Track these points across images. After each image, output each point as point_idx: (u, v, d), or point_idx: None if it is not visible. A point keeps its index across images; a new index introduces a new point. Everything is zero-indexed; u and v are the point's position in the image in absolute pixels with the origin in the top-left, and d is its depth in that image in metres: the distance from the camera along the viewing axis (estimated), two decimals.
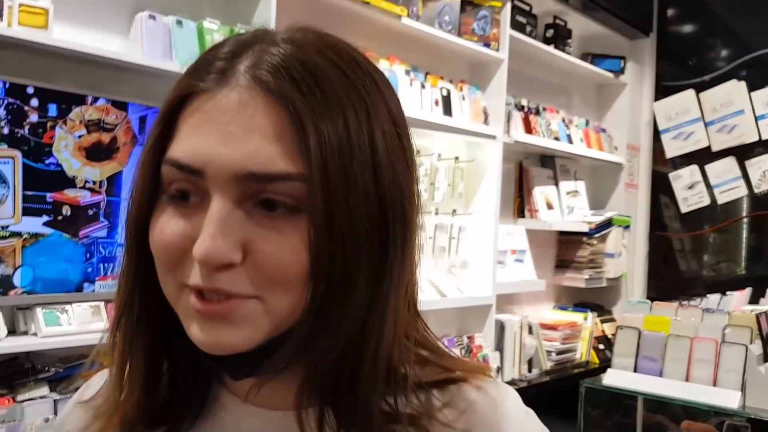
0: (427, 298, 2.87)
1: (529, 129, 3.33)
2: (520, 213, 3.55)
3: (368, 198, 0.47)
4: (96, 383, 0.62)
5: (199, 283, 0.46)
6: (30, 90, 1.79)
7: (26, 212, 1.80)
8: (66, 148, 1.86)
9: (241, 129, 0.46)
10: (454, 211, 3.13)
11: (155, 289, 0.51)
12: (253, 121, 0.46)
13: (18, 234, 1.79)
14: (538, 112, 3.50)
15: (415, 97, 2.81)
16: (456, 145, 3.07)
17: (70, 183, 1.87)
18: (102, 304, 1.93)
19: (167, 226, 0.48)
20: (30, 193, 1.81)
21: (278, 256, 0.46)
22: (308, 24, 0.52)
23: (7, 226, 1.78)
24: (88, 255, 1.93)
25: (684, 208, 3.93)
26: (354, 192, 0.46)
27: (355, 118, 0.47)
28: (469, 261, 3.15)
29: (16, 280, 1.80)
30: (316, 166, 0.45)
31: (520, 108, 3.38)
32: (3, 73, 1.76)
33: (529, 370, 3.33)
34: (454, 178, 3.08)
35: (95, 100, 1.91)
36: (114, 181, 1.96)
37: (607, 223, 3.75)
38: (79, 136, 1.89)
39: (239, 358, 0.48)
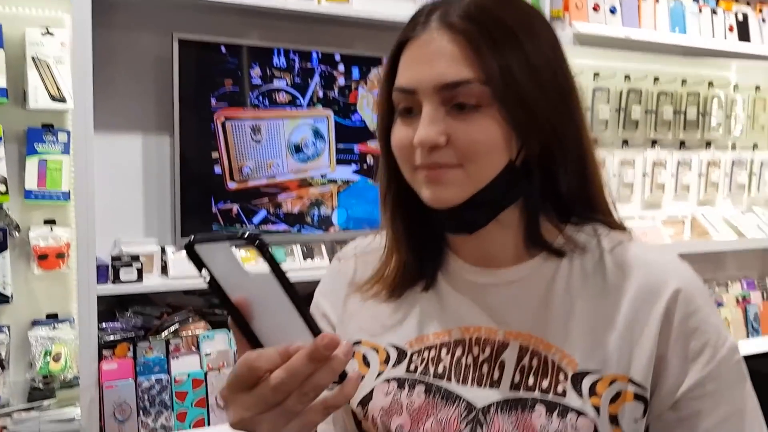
0: (723, 238, 2.72)
1: None
2: None
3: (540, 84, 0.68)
4: (358, 245, 0.87)
5: (420, 161, 0.68)
6: (337, 57, 2.10)
7: (339, 162, 2.13)
8: (367, 106, 2.15)
9: (434, 57, 0.67)
10: (755, 145, 2.89)
11: (401, 178, 0.73)
12: (441, 50, 0.67)
13: (334, 181, 2.13)
14: None
15: (705, 26, 2.65)
16: (755, 73, 2.82)
17: (372, 136, 2.16)
18: None
19: (399, 133, 0.71)
20: (341, 145, 2.13)
21: (469, 138, 0.67)
22: None
23: (325, 175, 2.12)
24: None
25: None
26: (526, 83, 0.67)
27: (514, 38, 0.67)
28: None
29: (334, 219, 2.14)
30: (489, 72, 0.66)
31: None
32: (315, 44, 2.08)
33: None
34: (755, 109, 2.85)
35: None
36: None
37: None
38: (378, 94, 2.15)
39: (456, 210, 0.69)
